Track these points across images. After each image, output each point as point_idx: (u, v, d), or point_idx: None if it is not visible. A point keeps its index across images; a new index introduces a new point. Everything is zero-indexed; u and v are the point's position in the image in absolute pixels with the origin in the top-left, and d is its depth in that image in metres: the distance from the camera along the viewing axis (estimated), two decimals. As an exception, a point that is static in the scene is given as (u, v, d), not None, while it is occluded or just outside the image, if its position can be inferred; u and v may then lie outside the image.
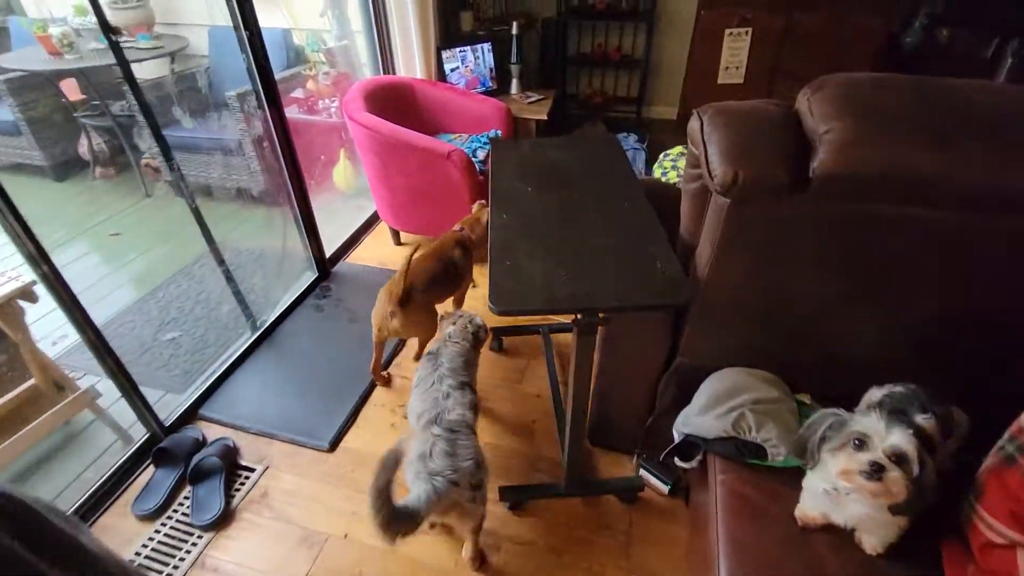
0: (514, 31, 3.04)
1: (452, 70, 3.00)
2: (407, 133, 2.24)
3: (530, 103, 3.07)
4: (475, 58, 3.05)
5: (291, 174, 2.25)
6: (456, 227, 1.99)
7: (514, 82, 3.21)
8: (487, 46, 3.06)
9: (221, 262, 2.17)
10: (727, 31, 3.54)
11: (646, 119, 4.38)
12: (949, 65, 3.80)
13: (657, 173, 2.01)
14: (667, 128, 4.31)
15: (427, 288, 1.76)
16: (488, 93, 3.13)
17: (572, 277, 1.09)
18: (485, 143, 2.63)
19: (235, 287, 2.24)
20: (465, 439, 1.26)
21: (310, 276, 2.52)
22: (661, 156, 2.10)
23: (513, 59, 3.11)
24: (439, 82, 2.90)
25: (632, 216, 1.30)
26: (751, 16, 3.46)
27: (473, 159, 2.43)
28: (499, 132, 2.70)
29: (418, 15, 2.64)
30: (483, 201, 2.10)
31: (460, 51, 2.99)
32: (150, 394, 2.00)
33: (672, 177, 1.88)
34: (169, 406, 1.91)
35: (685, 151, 2.11)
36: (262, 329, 2.21)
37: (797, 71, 3.58)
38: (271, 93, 2.07)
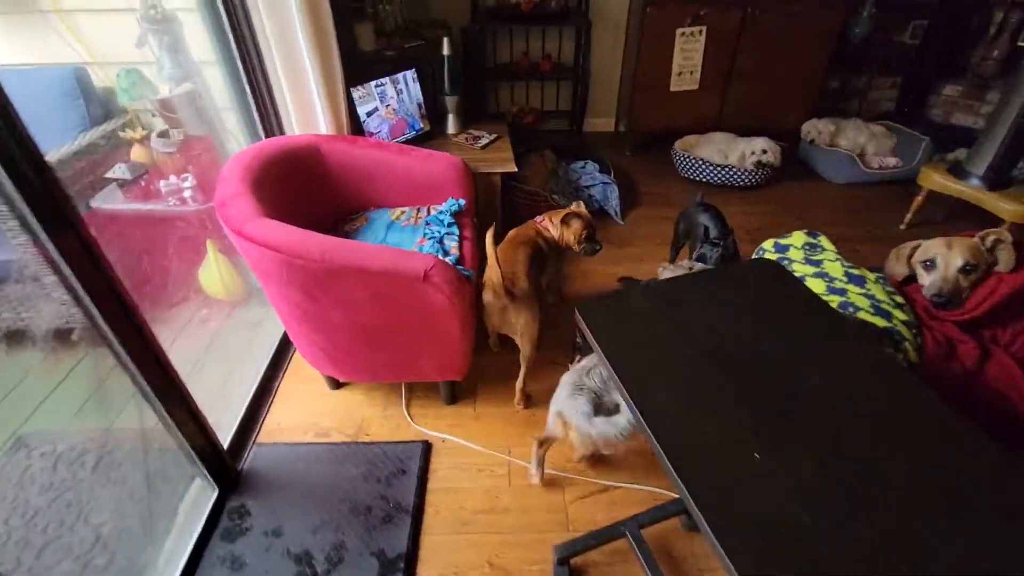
0: (445, 50, 2.18)
1: (369, 114, 2.07)
2: (353, 251, 1.32)
3: (483, 147, 2.25)
4: (397, 92, 2.15)
5: (114, 317, 1.17)
6: (538, 219, 1.85)
7: (450, 119, 2.36)
8: (410, 74, 2.17)
9: None
10: (679, 31, 3.00)
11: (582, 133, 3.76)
12: (882, 51, 3.68)
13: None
14: (605, 142, 3.73)
15: (528, 272, 1.64)
16: (419, 138, 2.25)
17: None
18: (451, 225, 1.78)
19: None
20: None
21: (204, 494, 1.50)
22: (772, 248, 1.41)
23: (447, 88, 2.26)
24: (357, 137, 1.96)
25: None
26: (704, 13, 2.95)
27: (446, 258, 1.59)
28: (462, 203, 1.86)
29: (312, 37, 1.69)
30: (578, 205, 1.86)
31: (377, 85, 2.07)
32: None
33: (820, 290, 1.21)
34: None
35: (815, 241, 1.43)
36: (135, 657, 1.18)
37: (753, 72, 3.17)
38: (42, 187, 1.00)
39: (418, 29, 2.67)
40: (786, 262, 1.26)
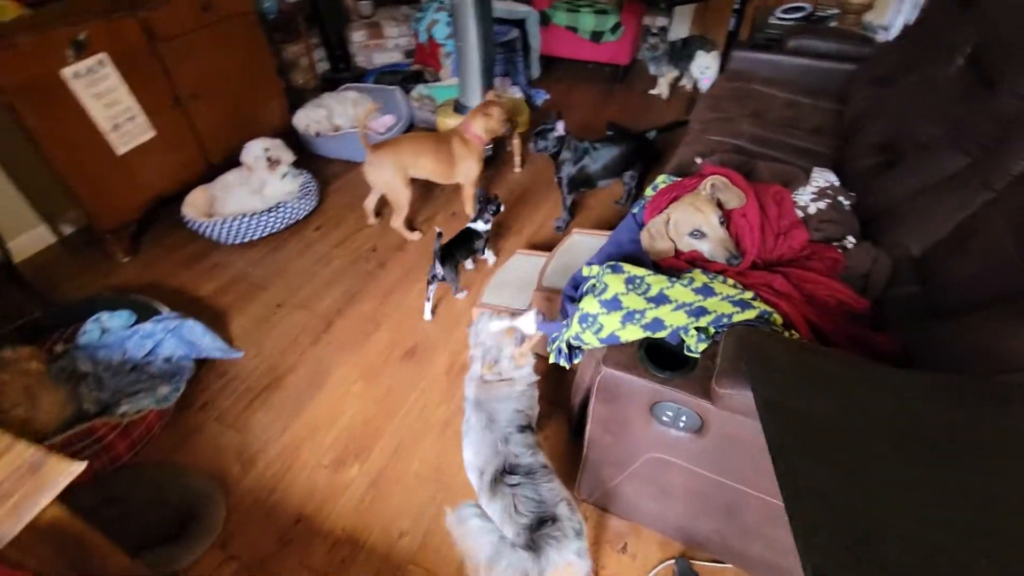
0: None
1: None
2: None
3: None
4: None
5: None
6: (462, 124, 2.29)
7: None
8: None
9: None
10: (67, 72, 1.92)
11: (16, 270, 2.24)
12: (301, 16, 3.41)
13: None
14: (52, 262, 2.36)
15: (400, 147, 2.16)
16: None
17: None
18: None
19: None
20: (548, 481, 1.06)
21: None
22: (600, 309, 0.97)
23: None
24: None
25: None
26: (88, 35, 1.95)
27: None
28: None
29: None
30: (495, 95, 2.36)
31: None
32: None
33: (683, 321, 0.91)
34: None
35: (625, 273, 1.03)
36: None
37: (202, 85, 2.43)
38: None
39: None
40: (636, 316, 1.00)
